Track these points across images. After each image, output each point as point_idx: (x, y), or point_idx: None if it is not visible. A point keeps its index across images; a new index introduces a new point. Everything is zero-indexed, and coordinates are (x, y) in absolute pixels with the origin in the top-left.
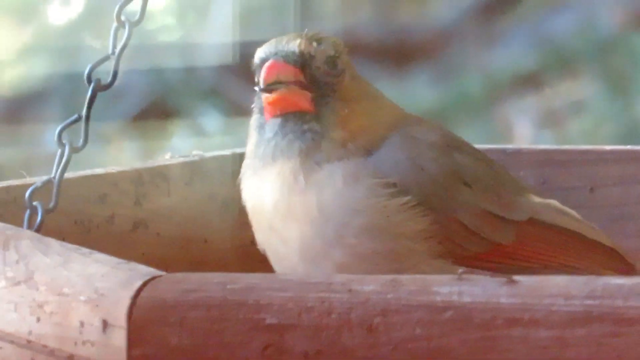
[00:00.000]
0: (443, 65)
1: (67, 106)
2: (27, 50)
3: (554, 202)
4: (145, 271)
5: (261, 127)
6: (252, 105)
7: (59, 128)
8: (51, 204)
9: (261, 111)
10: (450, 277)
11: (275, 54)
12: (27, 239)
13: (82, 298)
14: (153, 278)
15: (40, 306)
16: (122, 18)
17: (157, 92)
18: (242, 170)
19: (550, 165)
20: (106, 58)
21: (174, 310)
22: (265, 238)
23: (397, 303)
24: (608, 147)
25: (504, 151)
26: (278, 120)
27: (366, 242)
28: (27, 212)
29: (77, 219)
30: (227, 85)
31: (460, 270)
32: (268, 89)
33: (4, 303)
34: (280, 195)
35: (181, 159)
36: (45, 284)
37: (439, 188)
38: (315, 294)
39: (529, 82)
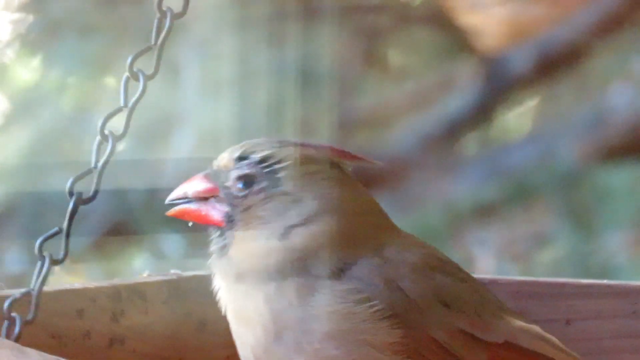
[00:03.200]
0: (402, 193)
1: (30, 225)
2: None
3: (535, 327)
4: None
5: None
6: None
7: (39, 240)
8: (30, 316)
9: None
10: None
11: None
12: (6, 348)
13: None
14: None
15: None
16: (106, 132)
17: (120, 214)
18: None
19: (525, 297)
20: (88, 171)
21: None
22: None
23: None
24: (585, 281)
25: (481, 281)
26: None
27: (330, 348)
28: (5, 323)
29: (53, 332)
30: None
31: None
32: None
33: None
34: (232, 305)
35: (159, 277)
36: None
37: (413, 306)
38: None
39: (489, 213)
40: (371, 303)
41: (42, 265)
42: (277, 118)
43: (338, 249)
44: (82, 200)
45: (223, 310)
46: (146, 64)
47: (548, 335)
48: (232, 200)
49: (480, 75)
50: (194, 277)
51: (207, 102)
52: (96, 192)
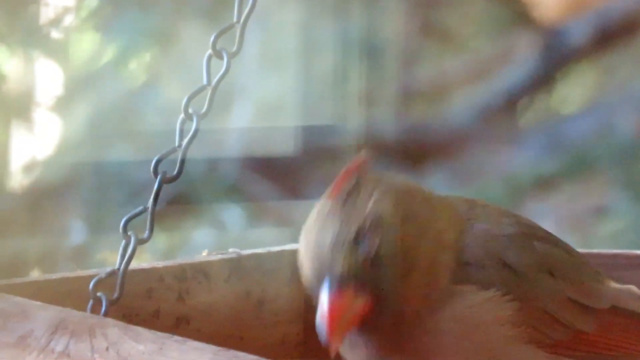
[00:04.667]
0: (461, 165)
1: (91, 198)
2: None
3: (633, 288)
4: (250, 358)
5: None
6: None
7: (124, 219)
8: (115, 295)
9: None
10: None
11: (324, 275)
12: (114, 326)
13: None
14: None
15: None
16: (190, 110)
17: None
18: None
19: None
20: (173, 150)
21: None
22: None
23: None
24: (638, 252)
25: None
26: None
27: (460, 343)
28: (90, 302)
29: (124, 312)
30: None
31: None
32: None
33: None
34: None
35: (220, 256)
36: None
37: (523, 280)
38: None
39: (549, 185)
40: (491, 291)
41: (127, 244)
42: (338, 89)
43: (437, 271)
44: (167, 179)
45: None
46: (224, 41)
47: None
48: (365, 282)
49: (539, 46)
50: (253, 255)
51: (268, 73)
52: (180, 171)
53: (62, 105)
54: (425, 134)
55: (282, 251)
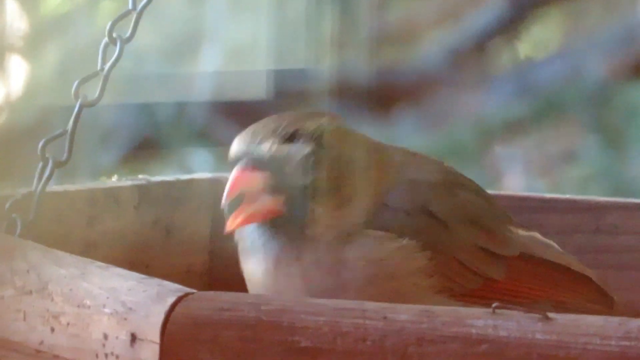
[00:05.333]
0: (431, 109)
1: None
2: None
3: (537, 234)
4: (175, 287)
5: None
6: None
7: (42, 141)
8: (30, 217)
9: None
10: (484, 310)
11: (246, 153)
12: (34, 248)
13: (106, 310)
14: (186, 294)
15: (55, 317)
16: (114, 35)
17: (148, 128)
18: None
19: None
20: (94, 74)
21: (208, 327)
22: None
23: (432, 333)
24: (548, 195)
25: None
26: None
27: (368, 289)
28: (5, 224)
29: (35, 235)
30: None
31: (494, 304)
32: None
33: (11, 312)
34: (268, 278)
35: (129, 182)
36: (61, 295)
37: (440, 228)
38: (350, 320)
39: (518, 129)
40: (404, 240)
41: (45, 167)
42: (309, 33)
43: (352, 214)
44: (87, 103)
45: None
46: None
47: (549, 241)
48: (291, 185)
49: None
50: (163, 182)
51: (239, 16)
52: (101, 95)
53: (31, 48)
54: (395, 78)
55: (192, 180)
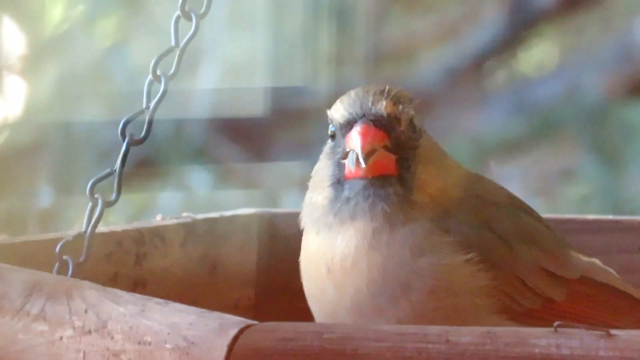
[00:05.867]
0: (428, 127)
1: (59, 160)
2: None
3: (597, 260)
4: (237, 320)
5: (338, 183)
6: (321, 155)
7: (91, 181)
8: (82, 258)
9: (338, 166)
10: (546, 330)
11: (363, 115)
12: (91, 288)
13: (167, 346)
14: (248, 326)
15: (116, 355)
16: (158, 72)
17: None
18: (309, 221)
19: None
20: (140, 112)
21: (272, 358)
22: (318, 289)
23: (496, 355)
24: (590, 217)
25: None
26: (361, 181)
27: (427, 301)
28: (56, 265)
29: (84, 275)
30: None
31: (556, 323)
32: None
33: (70, 353)
34: (352, 250)
35: (174, 220)
36: (121, 333)
37: (504, 246)
38: (412, 344)
39: (515, 148)
40: (471, 254)
41: (94, 207)
42: (308, 50)
43: (447, 192)
44: (134, 141)
45: (315, 253)
46: (193, 2)
47: (609, 268)
48: (403, 146)
49: (506, 8)
50: (207, 219)
51: (237, 34)
52: (148, 133)
53: (31, 67)
54: None
55: (235, 215)
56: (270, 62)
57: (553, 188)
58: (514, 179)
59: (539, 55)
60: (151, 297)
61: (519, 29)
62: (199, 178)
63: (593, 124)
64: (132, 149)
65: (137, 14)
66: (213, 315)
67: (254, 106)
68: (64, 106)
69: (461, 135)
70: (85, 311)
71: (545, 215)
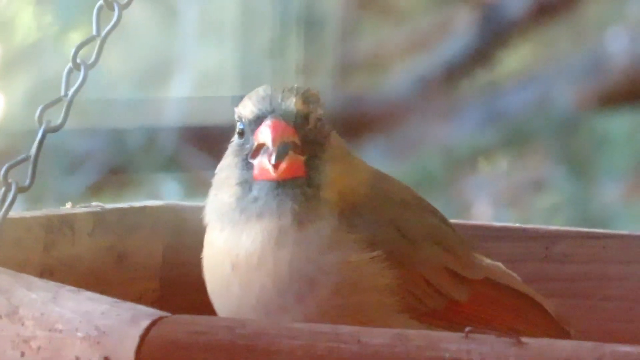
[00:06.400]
0: (399, 137)
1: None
2: None
3: (500, 264)
4: (149, 311)
5: (245, 182)
6: (228, 153)
7: (5, 166)
8: None
9: (246, 165)
10: (457, 335)
11: (272, 111)
12: (2, 273)
13: (79, 334)
14: (160, 318)
15: (26, 341)
16: (78, 60)
17: (118, 155)
18: (213, 218)
19: None
20: (58, 100)
21: (184, 351)
22: (223, 286)
23: (407, 357)
24: (498, 224)
25: None
26: (269, 183)
27: (333, 298)
28: None
29: None
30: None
31: (467, 328)
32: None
33: None
34: (258, 248)
35: (84, 209)
36: (32, 319)
37: (409, 245)
38: (324, 343)
39: (486, 158)
40: (377, 252)
41: (7, 192)
42: (277, 61)
43: (354, 190)
44: (50, 128)
45: (217, 250)
46: None
47: (511, 272)
48: (311, 144)
49: (477, 18)
50: (116, 209)
51: (207, 43)
52: (65, 120)
53: (2, 77)
54: (363, 106)
55: (145, 207)
56: (239, 72)
57: (523, 198)
58: (484, 188)
59: (510, 65)
60: (63, 285)
61: (490, 39)
62: (170, 186)
63: (564, 135)
64: (103, 157)
65: (107, 24)
66: (126, 306)
67: (224, 114)
68: (33, 114)
69: (432, 145)
70: None
71: (473, 222)
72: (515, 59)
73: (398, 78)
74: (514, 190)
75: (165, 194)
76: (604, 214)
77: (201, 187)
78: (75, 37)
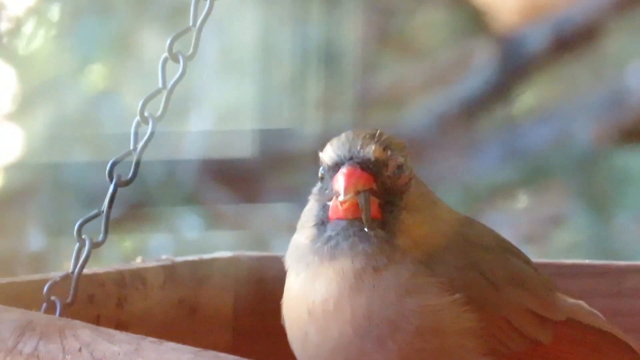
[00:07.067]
0: (417, 174)
1: (50, 203)
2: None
3: (583, 303)
4: (232, 358)
5: (322, 223)
6: (310, 197)
7: (78, 222)
8: (69, 299)
9: (323, 208)
10: None
11: (350, 158)
12: (84, 327)
13: None
14: None
15: None
16: (145, 114)
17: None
18: (291, 261)
19: None
20: (128, 153)
21: None
22: (301, 333)
23: None
24: (568, 261)
25: None
26: (343, 221)
27: (414, 342)
28: (44, 306)
29: (69, 316)
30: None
31: None
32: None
33: None
34: (334, 293)
35: (154, 263)
36: None
37: (490, 288)
38: None
39: (506, 194)
40: (457, 295)
41: (81, 248)
42: (297, 95)
43: (432, 238)
44: (121, 182)
45: (296, 294)
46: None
47: (595, 310)
48: (388, 191)
49: (496, 54)
50: (186, 262)
51: (227, 78)
52: (135, 174)
53: (22, 112)
54: None
55: (215, 258)
56: (259, 106)
57: (543, 234)
58: (504, 225)
59: (529, 101)
60: (145, 337)
61: (510, 75)
62: (189, 220)
63: (583, 171)
64: (123, 192)
65: (127, 59)
66: (209, 354)
67: (244, 148)
68: (55, 150)
69: (451, 181)
70: (80, 350)
71: (543, 260)
72: (534, 94)
73: (417, 113)
74: (533, 226)
75: (185, 228)
76: (624, 250)
77: (220, 220)
78: (94, 71)
